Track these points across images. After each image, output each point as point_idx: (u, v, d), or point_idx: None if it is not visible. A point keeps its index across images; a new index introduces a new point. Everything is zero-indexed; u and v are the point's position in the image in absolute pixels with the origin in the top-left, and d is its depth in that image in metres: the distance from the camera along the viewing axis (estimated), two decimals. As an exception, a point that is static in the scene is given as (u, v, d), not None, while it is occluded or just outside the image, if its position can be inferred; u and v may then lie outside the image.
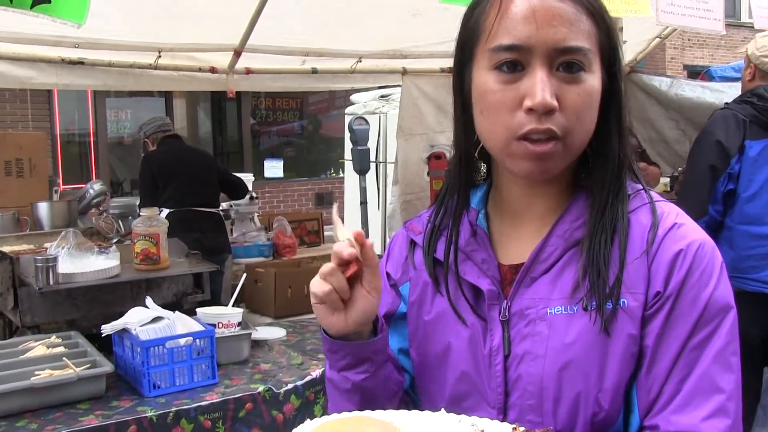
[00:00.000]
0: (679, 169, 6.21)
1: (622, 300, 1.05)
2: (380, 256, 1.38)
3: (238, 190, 5.63)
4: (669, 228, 1.09)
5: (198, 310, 3.22)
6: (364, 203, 7.89)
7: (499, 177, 1.21)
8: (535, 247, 1.13)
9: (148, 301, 3.02)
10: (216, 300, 4.38)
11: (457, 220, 1.21)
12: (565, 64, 1.05)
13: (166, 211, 5.00)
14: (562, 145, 1.06)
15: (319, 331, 1.18)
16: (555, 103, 1.04)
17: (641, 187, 1.16)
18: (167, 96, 12.02)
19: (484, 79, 1.09)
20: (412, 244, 1.28)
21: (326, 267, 1.09)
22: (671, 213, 1.12)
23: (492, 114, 1.08)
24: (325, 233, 6.64)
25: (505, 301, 1.13)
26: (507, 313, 1.12)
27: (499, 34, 1.06)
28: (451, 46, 1.17)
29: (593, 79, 1.07)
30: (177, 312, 3.03)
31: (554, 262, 1.11)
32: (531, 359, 1.09)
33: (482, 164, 1.22)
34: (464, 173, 1.21)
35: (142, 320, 2.86)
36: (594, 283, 1.06)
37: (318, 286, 1.09)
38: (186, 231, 4.72)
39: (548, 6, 1.04)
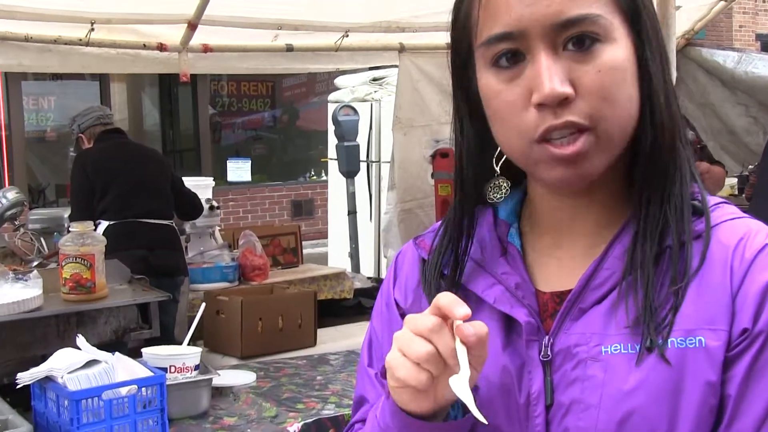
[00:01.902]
0: (750, 167, 6.23)
1: (698, 338, 1.05)
2: (376, 280, 1.37)
3: (190, 208, 5.57)
4: (759, 250, 1.08)
5: (144, 350, 3.20)
6: (352, 213, 7.90)
7: (532, 185, 1.21)
8: (586, 270, 1.12)
9: (80, 340, 2.99)
10: (168, 337, 4.35)
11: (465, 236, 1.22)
12: (572, 39, 1.05)
13: (104, 224, 4.95)
14: (595, 137, 1.05)
15: (384, 400, 1.13)
16: (568, 89, 1.04)
17: (721, 199, 1.16)
18: (102, 80, 12.01)
19: (485, 80, 1.10)
20: (424, 263, 1.28)
21: (423, 349, 1.02)
22: (760, 231, 1.11)
23: (501, 120, 1.10)
24: (304, 251, 6.64)
25: (547, 337, 1.12)
26: (549, 352, 1.12)
27: (487, 24, 1.08)
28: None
29: (616, 50, 1.07)
30: (117, 353, 3.01)
31: (610, 289, 1.10)
32: (581, 410, 1.08)
33: (503, 181, 1.22)
34: (470, 197, 1.22)
35: (72, 365, 2.84)
36: (659, 316, 1.06)
37: (410, 373, 1.03)
38: (129, 248, 4.69)
39: None
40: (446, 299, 1.03)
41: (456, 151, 1.22)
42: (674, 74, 3.52)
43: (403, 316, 1.24)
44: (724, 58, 6.23)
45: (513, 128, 1.08)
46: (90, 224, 3.62)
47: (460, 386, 1.01)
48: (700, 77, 6.31)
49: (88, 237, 3.50)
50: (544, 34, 1.04)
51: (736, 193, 6.61)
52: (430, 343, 1.02)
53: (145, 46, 4.97)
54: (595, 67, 1.05)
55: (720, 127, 6.41)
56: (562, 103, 1.04)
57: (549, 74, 1.03)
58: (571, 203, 1.16)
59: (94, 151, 5.21)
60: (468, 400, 1.00)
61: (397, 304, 1.29)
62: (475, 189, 1.21)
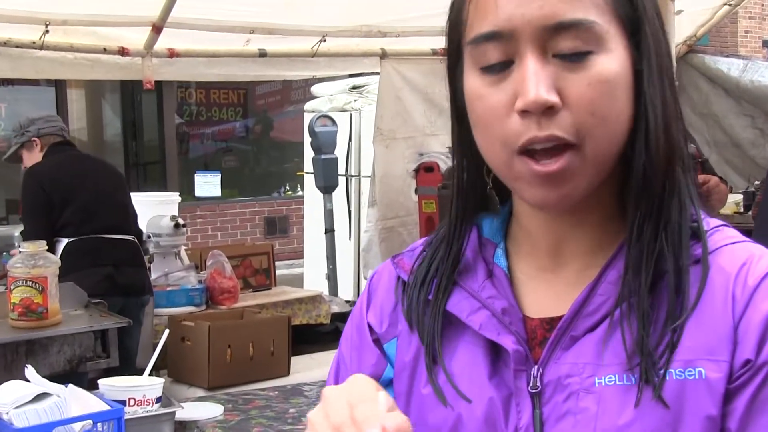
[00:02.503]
0: (756, 182, 6.26)
1: (698, 369, 1.05)
2: (355, 304, 1.35)
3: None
4: (762, 276, 1.08)
5: (101, 381, 3.17)
6: (330, 231, 7.90)
7: (518, 202, 1.21)
8: (579, 295, 1.12)
9: (29, 371, 2.96)
10: (130, 363, 4.34)
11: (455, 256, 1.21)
12: (563, 46, 1.05)
13: (64, 242, 4.97)
14: (581, 155, 1.05)
15: None
16: (555, 98, 1.03)
17: (721, 222, 1.15)
18: (59, 85, 12.00)
19: (471, 81, 1.10)
20: (403, 286, 1.26)
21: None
22: (763, 257, 1.11)
23: (484, 126, 1.09)
24: (278, 272, 6.62)
25: (536, 367, 1.12)
26: (539, 383, 1.11)
27: (476, 22, 1.08)
28: (445, 20, 1.18)
29: (610, 61, 1.06)
30: (71, 386, 2.98)
31: (604, 316, 1.10)
32: (573, 445, 1.09)
33: (494, 196, 1.22)
34: (466, 203, 1.21)
35: (19, 399, 2.80)
36: (657, 352, 1.05)
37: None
38: (93, 265, 4.71)
39: None
40: (362, 411, 0.96)
41: (455, 156, 1.22)
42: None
43: (376, 341, 1.26)
44: (729, 66, 6.28)
45: (496, 136, 1.08)
46: (43, 244, 3.59)
47: None
48: (703, 86, 6.35)
49: (40, 258, 3.47)
50: (533, 37, 1.04)
51: (742, 210, 6.63)
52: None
53: (105, 50, 4.96)
54: (586, 78, 1.05)
55: (724, 139, 6.44)
56: (547, 112, 1.03)
57: (536, 80, 1.03)
58: (559, 223, 1.16)
59: (49, 164, 5.22)
60: None
61: (371, 329, 1.28)
62: (475, 200, 1.21)
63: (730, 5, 6.21)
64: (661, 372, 1.05)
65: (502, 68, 1.07)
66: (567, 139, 1.04)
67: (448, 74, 1.19)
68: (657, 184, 1.10)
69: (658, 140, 1.10)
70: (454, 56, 1.16)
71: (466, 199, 1.21)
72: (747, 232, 1.22)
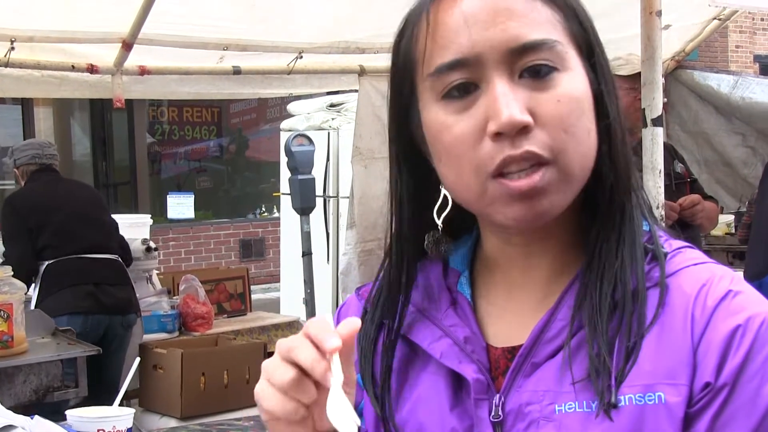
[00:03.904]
0: (748, 202, 6.28)
1: (657, 393, 1.06)
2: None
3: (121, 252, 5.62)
4: (721, 297, 1.09)
5: (69, 412, 3.15)
6: (307, 254, 7.85)
7: (484, 232, 1.23)
8: (538, 323, 1.14)
9: (-5, 401, 2.95)
10: (109, 391, 4.33)
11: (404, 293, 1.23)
12: (529, 66, 1.08)
13: (45, 264, 5.07)
14: (556, 170, 1.07)
15: None
16: (528, 117, 1.06)
17: (684, 244, 1.17)
18: (25, 103, 11.99)
19: (433, 114, 1.12)
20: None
21: (287, 375, 1.03)
22: (724, 277, 1.12)
23: (455, 156, 1.11)
24: (254, 297, 6.60)
25: (498, 396, 1.14)
26: (500, 412, 1.13)
27: (436, 53, 1.10)
28: None
29: (574, 80, 1.10)
30: (36, 417, 2.96)
31: (563, 343, 1.11)
32: (534, 475, 1.10)
33: (443, 237, 1.23)
34: (405, 249, 1.23)
35: (-16, 431, 2.80)
36: (610, 372, 1.07)
37: (277, 403, 1.04)
38: (75, 283, 4.78)
39: (487, 1, 1.08)
40: (315, 328, 1.02)
41: (393, 200, 1.24)
42: (662, 100, 3.54)
43: None
44: (719, 82, 6.30)
45: (467, 164, 1.09)
46: (7, 270, 3.59)
47: (335, 413, 1.00)
48: (692, 103, 6.38)
49: (5, 284, 3.46)
50: (500, 61, 1.07)
51: (733, 231, 6.66)
52: (296, 367, 1.02)
53: (73, 68, 4.95)
54: (555, 96, 1.08)
55: (714, 158, 6.46)
56: (520, 132, 1.05)
57: (506, 101, 1.05)
58: (525, 251, 1.18)
59: (25, 191, 5.45)
60: (344, 427, 0.99)
61: None
62: (415, 243, 1.23)
63: (719, 19, 6.23)
64: (617, 396, 1.06)
65: (467, 95, 1.09)
66: (542, 156, 1.06)
67: (397, 115, 1.20)
68: (620, 200, 1.13)
69: (621, 157, 1.13)
70: (406, 97, 1.17)
71: (404, 245, 1.23)
72: (739, 254, 1.24)
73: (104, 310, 4.80)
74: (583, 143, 1.09)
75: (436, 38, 1.10)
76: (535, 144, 1.06)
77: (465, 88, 1.08)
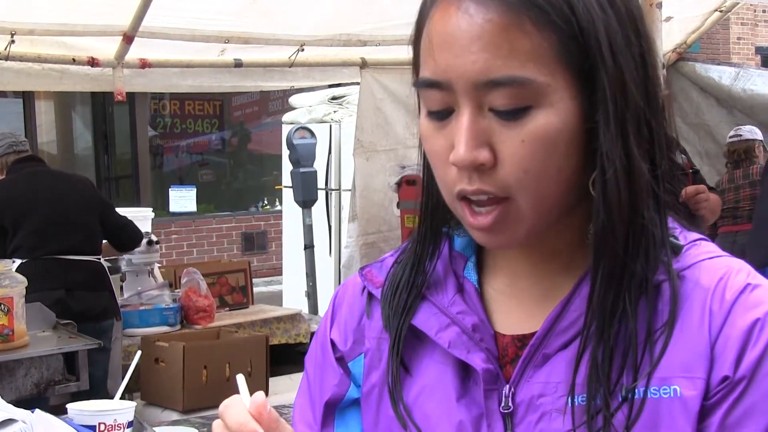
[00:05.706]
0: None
1: (673, 387, 1.05)
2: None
3: (126, 238, 5.52)
4: (740, 291, 1.08)
5: (69, 406, 3.14)
6: (309, 247, 7.88)
7: None
8: (552, 311, 1.12)
9: (-4, 395, 2.95)
10: (99, 389, 4.30)
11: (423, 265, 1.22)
12: (498, 102, 1.04)
13: (17, 262, 4.82)
14: (515, 207, 1.06)
15: None
16: (483, 156, 1.04)
17: (699, 236, 1.15)
18: (26, 97, 11.97)
19: (422, 120, 1.12)
20: (370, 299, 1.26)
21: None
22: (741, 270, 1.11)
23: (433, 165, 1.12)
24: (255, 290, 6.60)
25: (507, 386, 1.12)
26: (510, 403, 1.12)
27: (424, 63, 1.10)
28: None
29: (550, 116, 1.04)
30: (38, 411, 2.95)
31: (577, 333, 1.10)
32: (545, 468, 1.09)
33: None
34: (433, 220, 1.22)
35: (-15, 425, 2.79)
36: (630, 363, 1.06)
37: None
38: (42, 288, 4.62)
39: (470, 23, 1.03)
40: (233, 421, 1.08)
41: (423, 173, 1.22)
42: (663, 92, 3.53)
43: (340, 360, 1.26)
44: (720, 74, 6.29)
45: (442, 176, 1.10)
46: (8, 263, 3.58)
47: None
48: (694, 95, 6.37)
49: (5, 278, 3.45)
50: (467, 91, 1.04)
51: (735, 223, 6.66)
52: None
53: (74, 61, 4.95)
54: (520, 135, 1.04)
55: (716, 150, 6.46)
56: (478, 168, 1.04)
57: (466, 137, 1.04)
58: (526, 249, 1.17)
59: (6, 183, 5.15)
60: None
61: (335, 347, 1.27)
62: (443, 216, 1.21)
63: (721, 11, 6.23)
64: (640, 389, 1.05)
65: (444, 116, 1.08)
66: (495, 194, 1.05)
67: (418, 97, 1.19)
68: (620, 233, 1.08)
69: (618, 192, 1.06)
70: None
71: (433, 216, 1.22)
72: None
73: (74, 318, 4.58)
74: (547, 181, 1.06)
75: (428, 46, 1.08)
76: (489, 183, 1.04)
77: (443, 108, 1.07)
